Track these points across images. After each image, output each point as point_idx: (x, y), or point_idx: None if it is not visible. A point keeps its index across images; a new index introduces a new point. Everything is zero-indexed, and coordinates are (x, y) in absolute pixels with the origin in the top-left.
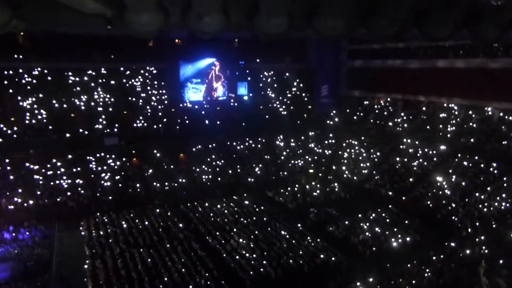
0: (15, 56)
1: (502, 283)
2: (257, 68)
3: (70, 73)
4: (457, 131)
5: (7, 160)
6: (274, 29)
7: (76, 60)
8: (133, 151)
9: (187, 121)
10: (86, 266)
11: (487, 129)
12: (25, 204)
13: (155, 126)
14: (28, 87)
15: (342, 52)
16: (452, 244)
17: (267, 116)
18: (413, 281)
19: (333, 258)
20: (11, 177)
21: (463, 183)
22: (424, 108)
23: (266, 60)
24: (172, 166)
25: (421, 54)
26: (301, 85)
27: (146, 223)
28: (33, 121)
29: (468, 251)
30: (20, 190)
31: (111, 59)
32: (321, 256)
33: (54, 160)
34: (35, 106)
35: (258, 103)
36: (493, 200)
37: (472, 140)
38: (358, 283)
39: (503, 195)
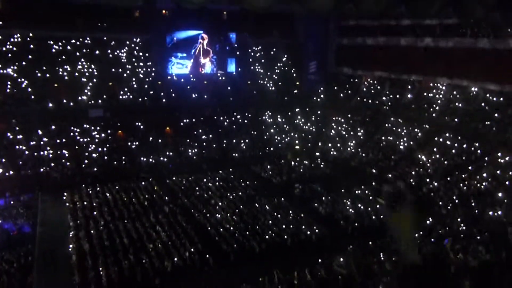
0: None
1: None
2: (246, 43)
3: (52, 42)
4: (441, 111)
5: None
6: (261, 2)
7: (59, 28)
8: (118, 124)
9: (173, 95)
10: (70, 237)
11: (471, 109)
12: (7, 174)
13: (140, 99)
14: (9, 55)
15: (330, 28)
16: (430, 220)
17: (254, 91)
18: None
19: (316, 232)
20: None
21: (445, 162)
22: (410, 87)
23: (254, 34)
24: (158, 140)
25: (410, 33)
26: (289, 61)
27: (132, 195)
28: (15, 90)
29: (447, 228)
30: (3, 160)
31: (96, 28)
32: (305, 231)
33: (37, 131)
34: (16, 75)
35: (246, 78)
36: (473, 179)
37: (456, 120)
38: (341, 259)
39: (484, 175)
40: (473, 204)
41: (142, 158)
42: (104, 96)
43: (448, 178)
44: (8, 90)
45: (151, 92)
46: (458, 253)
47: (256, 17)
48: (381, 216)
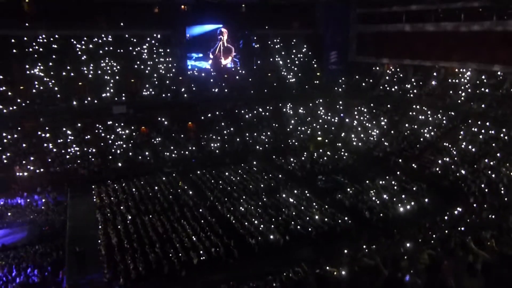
0: (21, 23)
1: (508, 251)
2: (265, 35)
3: (75, 41)
4: (467, 97)
5: (18, 128)
6: None
7: (81, 27)
8: (142, 119)
9: (194, 89)
10: (98, 231)
11: (498, 94)
12: (37, 171)
13: (162, 95)
14: (35, 55)
15: (350, 17)
16: (459, 210)
17: (275, 84)
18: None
19: (341, 224)
20: (23, 145)
21: (473, 150)
22: (434, 74)
23: (274, 26)
24: (181, 135)
25: (433, 18)
26: (309, 52)
27: (156, 190)
28: (42, 89)
29: (474, 217)
30: (32, 158)
31: (117, 26)
32: (329, 222)
33: (64, 128)
34: (43, 74)
35: (266, 70)
36: (502, 166)
37: (483, 106)
38: (366, 249)
39: None
40: (502, 191)
41: (165, 153)
42: (127, 93)
43: (475, 166)
44: (35, 90)
45: (173, 87)
46: (490, 243)
47: (275, 9)
48: None
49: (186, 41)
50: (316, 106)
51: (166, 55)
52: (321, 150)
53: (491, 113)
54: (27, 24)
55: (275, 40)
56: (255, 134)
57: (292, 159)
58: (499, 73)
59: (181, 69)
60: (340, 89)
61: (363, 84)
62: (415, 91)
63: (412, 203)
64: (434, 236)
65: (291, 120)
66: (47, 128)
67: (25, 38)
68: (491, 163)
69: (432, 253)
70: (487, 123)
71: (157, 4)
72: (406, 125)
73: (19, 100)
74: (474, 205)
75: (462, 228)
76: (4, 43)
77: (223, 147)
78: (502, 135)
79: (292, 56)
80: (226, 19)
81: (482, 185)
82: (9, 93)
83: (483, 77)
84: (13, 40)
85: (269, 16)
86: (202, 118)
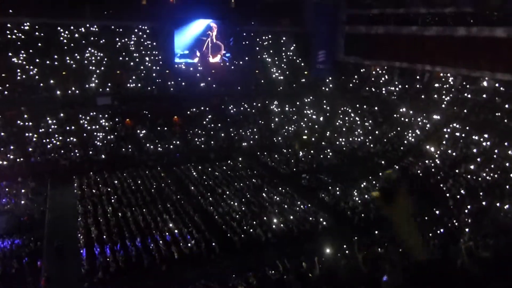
0: (4, 10)
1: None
2: (254, 31)
3: (61, 29)
4: (451, 101)
5: None
6: None
7: (67, 16)
8: (126, 112)
9: (181, 83)
10: (78, 223)
11: (481, 100)
12: (18, 161)
13: (148, 87)
14: (18, 43)
15: (339, 17)
16: (437, 213)
17: (262, 81)
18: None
19: (323, 223)
20: (3, 133)
21: (454, 153)
22: (419, 77)
23: (263, 23)
24: (165, 128)
25: (420, 21)
26: (297, 50)
27: (139, 183)
28: (24, 78)
29: (453, 220)
30: (12, 147)
31: (103, 16)
32: (311, 220)
33: (46, 118)
34: (25, 62)
35: (254, 67)
36: (482, 171)
37: (465, 110)
38: (345, 246)
39: (492, 166)
40: (481, 196)
41: (149, 146)
42: (112, 84)
43: (457, 170)
44: (18, 78)
45: (159, 81)
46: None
47: (265, 6)
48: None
49: (173, 35)
50: (302, 105)
51: (153, 48)
52: (306, 149)
53: (472, 118)
54: (10, 11)
55: (263, 37)
56: (241, 130)
57: (276, 157)
58: (481, 78)
59: (168, 62)
60: (327, 89)
61: (350, 84)
62: (399, 93)
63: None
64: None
65: (277, 118)
66: (28, 117)
67: (8, 25)
68: (471, 167)
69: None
70: (467, 128)
71: None
72: (391, 127)
73: (0, 88)
74: (453, 208)
75: (441, 230)
76: None
77: (208, 143)
78: (482, 140)
79: (281, 54)
80: (214, 14)
81: (461, 189)
82: None
83: (464, 82)
84: None
85: (258, 13)
86: (188, 112)
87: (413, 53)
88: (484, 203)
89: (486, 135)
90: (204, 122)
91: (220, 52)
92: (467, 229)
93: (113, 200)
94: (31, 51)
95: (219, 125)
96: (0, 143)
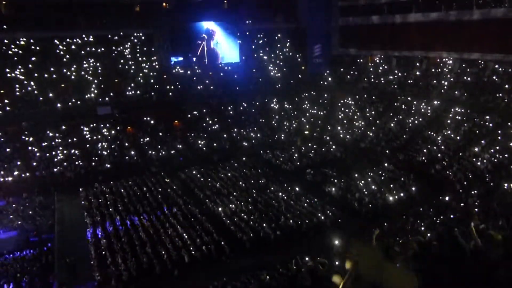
0: None
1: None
2: (249, 30)
3: (57, 42)
4: (450, 85)
5: (1, 133)
6: None
7: (62, 28)
8: (127, 120)
9: (179, 87)
10: (87, 234)
11: (480, 82)
12: (23, 176)
13: (147, 94)
14: (15, 58)
15: (333, 9)
16: (446, 198)
17: (260, 79)
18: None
19: (331, 216)
20: (7, 149)
21: (457, 138)
22: (417, 64)
23: (257, 21)
24: (167, 134)
25: (414, 8)
26: (293, 46)
27: (145, 190)
28: (23, 92)
29: (462, 204)
30: (18, 163)
31: (98, 26)
32: (319, 215)
33: (48, 132)
34: (23, 77)
35: (250, 65)
36: (486, 153)
37: (465, 94)
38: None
39: (497, 148)
40: (487, 178)
41: (152, 152)
42: (111, 93)
43: (460, 154)
44: (17, 93)
45: (157, 86)
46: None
47: (258, 4)
48: None
49: (168, 40)
50: (302, 100)
51: (150, 54)
52: (308, 144)
53: (473, 101)
54: (5, 27)
55: (258, 36)
56: (242, 130)
57: (279, 154)
58: (480, 61)
59: (165, 67)
60: (325, 83)
61: (348, 76)
62: (398, 82)
63: (401, 193)
64: (422, 224)
65: (278, 115)
66: (30, 132)
67: (5, 41)
68: (476, 149)
69: (421, 239)
70: (469, 111)
71: (138, 3)
72: (392, 116)
73: (0, 105)
74: (461, 192)
75: (451, 216)
76: None
77: (211, 145)
78: (485, 122)
79: (277, 51)
80: (208, 16)
81: (468, 173)
82: None
83: (464, 65)
84: None
85: (252, 11)
86: (188, 116)
87: (409, 40)
88: (491, 184)
89: (488, 117)
90: (205, 125)
91: (218, 60)
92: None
93: (120, 208)
94: (28, 65)
95: (220, 126)
96: (5, 159)
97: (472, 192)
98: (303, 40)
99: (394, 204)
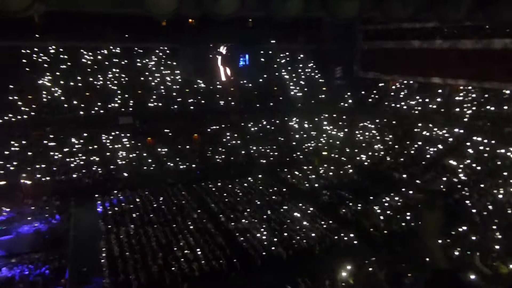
0: (31, 35)
1: (502, 268)
2: (272, 49)
3: (84, 52)
4: (473, 114)
5: (25, 137)
6: (289, 11)
7: (90, 39)
8: (147, 130)
9: (202, 101)
10: (101, 241)
11: (504, 112)
12: (43, 180)
13: (169, 106)
14: (44, 66)
15: (356, 33)
16: (464, 228)
17: (280, 97)
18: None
19: (345, 239)
20: (29, 153)
21: (478, 168)
22: (439, 91)
23: (280, 40)
24: (186, 146)
25: (438, 35)
26: (315, 66)
27: (161, 201)
28: (49, 99)
29: (479, 236)
30: (37, 166)
31: (125, 38)
32: (333, 237)
33: (70, 138)
34: (51, 84)
35: (272, 83)
36: (509, 185)
37: (488, 123)
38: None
39: None
40: (508, 211)
41: (170, 164)
42: (133, 104)
43: (482, 185)
44: (43, 99)
45: (179, 99)
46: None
47: (281, 24)
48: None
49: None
50: (321, 121)
51: (173, 67)
52: (326, 165)
53: (496, 131)
54: (37, 36)
55: (281, 55)
56: (260, 147)
57: (296, 173)
58: (504, 91)
59: (188, 81)
60: (345, 104)
61: (369, 99)
62: (420, 107)
63: (418, 221)
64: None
65: (296, 134)
66: (53, 137)
67: (35, 49)
68: (498, 181)
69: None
70: (493, 141)
71: (166, 19)
72: (411, 141)
73: (27, 109)
74: (480, 224)
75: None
76: (14, 53)
77: (228, 160)
78: (507, 153)
79: (298, 70)
80: (232, 35)
81: (488, 204)
82: (18, 103)
83: (486, 95)
84: (23, 51)
85: (276, 31)
86: (208, 130)
87: (431, 66)
88: None
89: (511, 148)
90: (224, 140)
91: (240, 77)
92: (496, 246)
93: (134, 217)
94: (56, 73)
95: (238, 142)
96: (27, 162)
97: (492, 225)
98: (325, 61)
99: (408, 232)
